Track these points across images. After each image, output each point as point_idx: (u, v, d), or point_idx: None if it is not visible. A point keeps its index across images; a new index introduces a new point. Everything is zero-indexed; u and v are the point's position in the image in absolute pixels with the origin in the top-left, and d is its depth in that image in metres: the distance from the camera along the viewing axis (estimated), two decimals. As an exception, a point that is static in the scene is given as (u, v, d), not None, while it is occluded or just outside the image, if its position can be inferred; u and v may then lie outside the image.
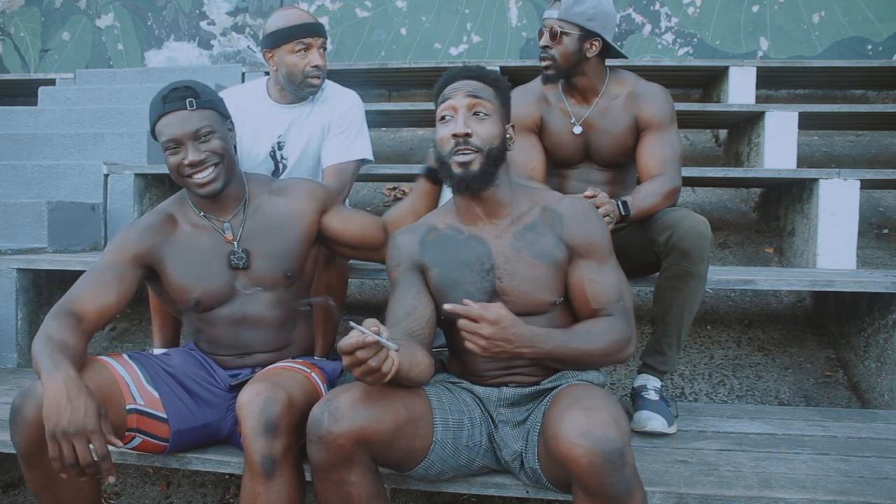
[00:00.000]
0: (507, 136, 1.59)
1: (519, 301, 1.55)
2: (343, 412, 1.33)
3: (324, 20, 2.26)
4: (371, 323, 1.24)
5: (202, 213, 1.77)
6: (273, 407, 1.41)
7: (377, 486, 1.41)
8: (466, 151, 1.50)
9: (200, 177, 1.66)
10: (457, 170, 1.52)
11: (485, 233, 1.60)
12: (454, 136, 1.51)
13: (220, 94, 2.28)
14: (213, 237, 1.74)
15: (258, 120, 2.24)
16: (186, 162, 1.63)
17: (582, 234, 1.57)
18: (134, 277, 1.68)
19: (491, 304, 1.39)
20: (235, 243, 1.74)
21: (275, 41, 2.16)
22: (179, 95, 1.65)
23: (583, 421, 1.25)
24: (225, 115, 1.75)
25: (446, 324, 1.65)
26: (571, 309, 1.60)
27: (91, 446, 1.33)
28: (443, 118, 1.56)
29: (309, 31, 2.16)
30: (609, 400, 1.36)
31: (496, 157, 1.54)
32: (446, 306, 1.36)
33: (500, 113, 1.57)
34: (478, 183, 1.53)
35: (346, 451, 1.33)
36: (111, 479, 1.38)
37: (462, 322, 1.36)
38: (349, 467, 1.35)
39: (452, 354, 1.71)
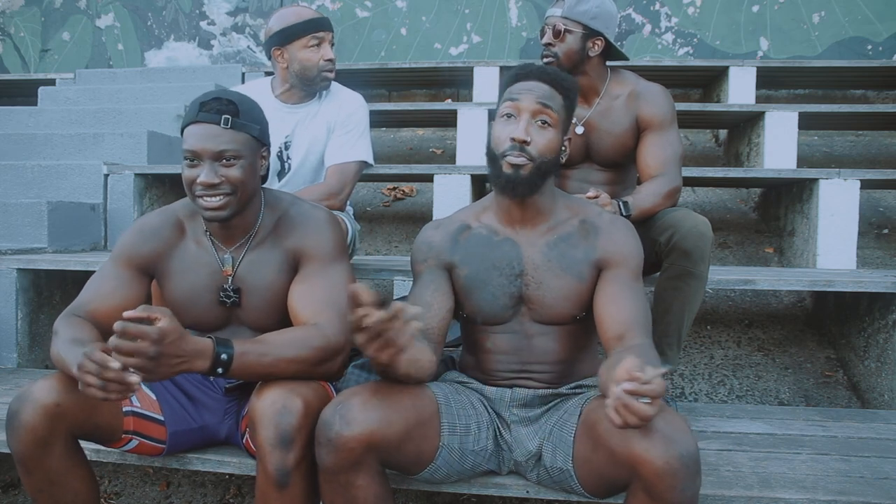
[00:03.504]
0: (563, 147, 1.56)
1: (542, 311, 1.55)
2: (354, 415, 1.32)
3: (324, 20, 2.37)
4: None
5: (208, 233, 1.65)
6: (289, 419, 1.37)
7: (384, 490, 1.40)
8: (521, 156, 1.48)
9: (209, 201, 1.52)
10: (507, 169, 1.49)
11: (519, 237, 1.58)
12: (512, 139, 1.48)
13: None
14: (213, 265, 1.63)
15: None
16: (199, 181, 1.50)
17: (615, 246, 1.54)
18: (140, 284, 1.63)
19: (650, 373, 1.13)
20: (230, 279, 1.63)
21: (287, 37, 2.17)
22: (218, 108, 1.50)
23: (661, 425, 1.22)
24: (262, 141, 1.59)
25: (465, 321, 1.65)
26: (591, 323, 1.58)
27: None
28: (503, 115, 1.52)
29: (321, 26, 2.19)
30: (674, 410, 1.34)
31: (547, 170, 1.52)
32: (626, 387, 1.11)
33: (563, 124, 1.54)
34: (523, 188, 1.51)
35: (356, 454, 1.32)
36: (135, 379, 1.27)
37: (627, 401, 1.12)
38: (357, 470, 1.34)
39: (466, 351, 1.70)
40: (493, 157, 1.52)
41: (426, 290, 1.57)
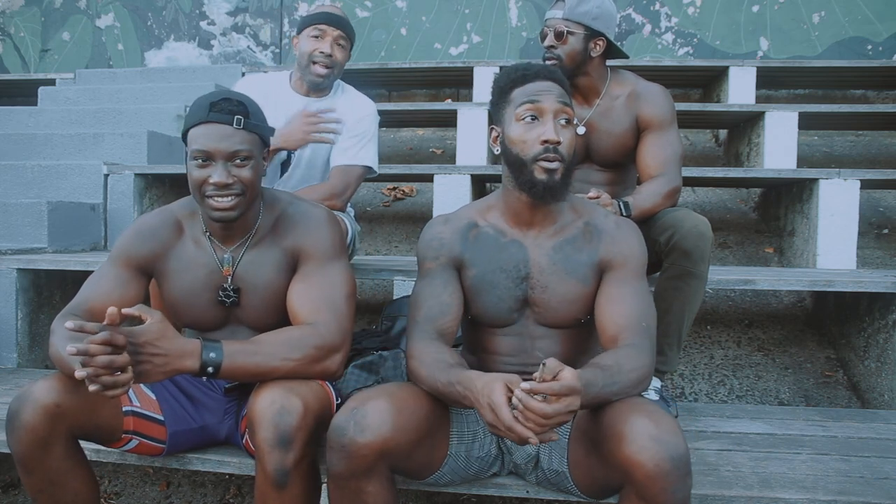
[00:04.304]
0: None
1: (547, 314, 1.55)
2: (369, 423, 1.29)
3: (324, 20, 2.41)
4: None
5: (208, 233, 1.64)
6: (288, 419, 1.36)
7: (393, 496, 1.39)
8: (555, 160, 1.46)
9: (220, 201, 1.50)
10: (541, 175, 1.46)
11: (527, 239, 1.57)
12: (545, 142, 1.45)
13: (244, 80, 2.31)
14: (211, 265, 1.63)
15: (280, 108, 2.25)
16: (211, 181, 1.49)
17: (617, 248, 1.53)
18: (138, 284, 1.63)
19: (561, 373, 1.19)
20: (229, 278, 1.62)
21: (300, 26, 2.25)
22: (229, 108, 1.49)
23: (651, 426, 1.22)
24: (266, 142, 1.59)
25: (468, 321, 1.64)
26: (595, 326, 1.57)
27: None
28: (524, 118, 1.48)
29: (325, 20, 2.20)
30: (665, 410, 1.34)
31: (574, 168, 1.53)
32: (523, 386, 1.19)
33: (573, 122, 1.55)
34: (561, 192, 1.49)
35: (369, 461, 1.30)
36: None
37: (525, 400, 1.18)
38: (369, 477, 1.33)
39: (468, 351, 1.70)
40: (520, 162, 1.48)
41: (444, 293, 1.55)
